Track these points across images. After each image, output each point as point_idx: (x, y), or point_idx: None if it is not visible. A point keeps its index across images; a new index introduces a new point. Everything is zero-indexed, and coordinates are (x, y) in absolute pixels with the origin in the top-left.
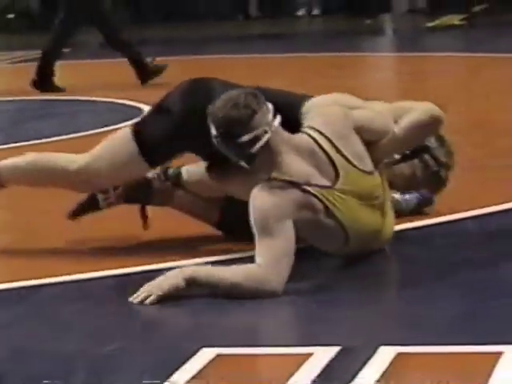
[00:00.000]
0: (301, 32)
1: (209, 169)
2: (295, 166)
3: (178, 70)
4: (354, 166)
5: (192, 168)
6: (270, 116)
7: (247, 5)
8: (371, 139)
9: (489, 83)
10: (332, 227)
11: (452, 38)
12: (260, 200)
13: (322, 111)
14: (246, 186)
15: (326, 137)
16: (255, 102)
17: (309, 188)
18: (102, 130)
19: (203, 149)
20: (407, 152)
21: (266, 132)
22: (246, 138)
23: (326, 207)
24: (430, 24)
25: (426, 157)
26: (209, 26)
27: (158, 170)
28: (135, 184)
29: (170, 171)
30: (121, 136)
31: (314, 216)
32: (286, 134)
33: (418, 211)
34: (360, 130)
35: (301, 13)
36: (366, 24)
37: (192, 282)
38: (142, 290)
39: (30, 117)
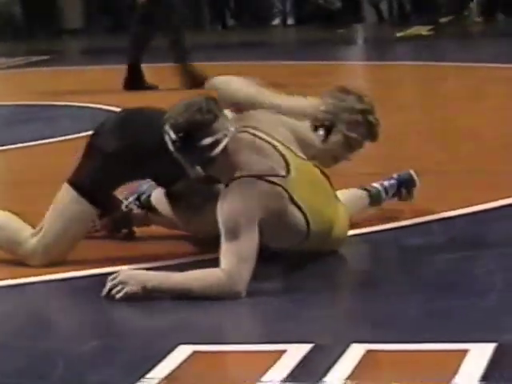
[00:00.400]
0: (276, 41)
1: (175, 213)
2: (254, 161)
3: (160, 76)
4: (295, 154)
5: (159, 195)
6: (229, 121)
7: (225, 14)
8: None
9: (453, 91)
10: (296, 217)
11: (419, 47)
12: (228, 203)
13: (249, 113)
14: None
15: (263, 131)
16: (216, 108)
17: (274, 179)
18: (82, 134)
19: (148, 176)
20: (326, 123)
21: (225, 136)
22: (207, 141)
23: (291, 197)
24: (399, 34)
25: (343, 115)
26: (188, 35)
27: (130, 198)
28: (119, 215)
29: (142, 198)
30: (61, 194)
31: (281, 206)
32: (237, 136)
33: (401, 195)
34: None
35: (276, 22)
36: (338, 33)
37: (153, 291)
38: (108, 286)
39: (11, 121)
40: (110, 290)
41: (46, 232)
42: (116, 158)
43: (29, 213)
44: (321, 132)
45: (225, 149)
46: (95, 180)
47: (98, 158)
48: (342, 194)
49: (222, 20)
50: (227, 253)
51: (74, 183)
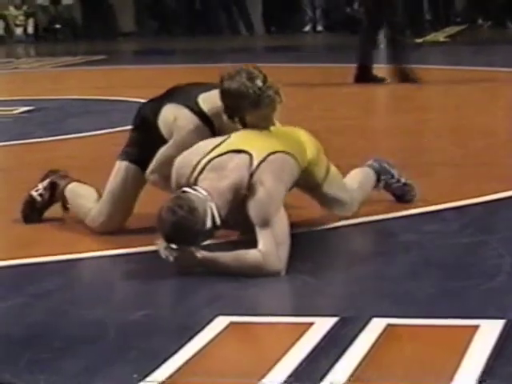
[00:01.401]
0: (307, 45)
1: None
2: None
3: (200, 76)
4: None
5: None
6: (203, 192)
7: (269, 22)
8: None
9: (467, 92)
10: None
11: (437, 53)
12: (265, 192)
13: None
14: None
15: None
16: (189, 199)
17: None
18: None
19: None
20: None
21: (210, 207)
22: (208, 224)
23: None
24: (418, 40)
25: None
26: (227, 39)
27: None
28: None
29: None
30: (116, 169)
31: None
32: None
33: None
34: None
35: (307, 29)
36: None
37: (202, 266)
38: (164, 250)
39: (70, 114)
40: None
41: (103, 196)
42: (155, 127)
43: None
44: (237, 124)
45: (217, 207)
46: (141, 147)
47: (140, 128)
48: (355, 173)
49: (266, 26)
50: (264, 238)
51: (123, 155)
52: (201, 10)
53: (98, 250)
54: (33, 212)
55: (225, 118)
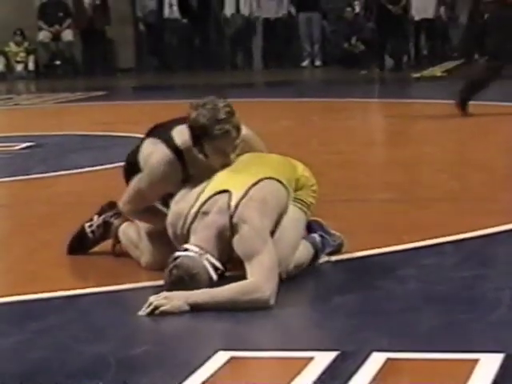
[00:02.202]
0: (305, 80)
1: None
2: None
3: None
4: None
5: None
6: (194, 249)
7: (266, 56)
8: None
9: (465, 127)
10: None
11: (434, 87)
12: (248, 228)
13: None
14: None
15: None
16: (187, 269)
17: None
18: None
19: None
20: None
21: (206, 260)
22: (211, 276)
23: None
24: (416, 75)
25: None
26: (226, 74)
27: None
28: None
29: None
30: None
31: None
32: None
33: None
34: None
35: (305, 64)
36: (360, 74)
37: (194, 306)
38: (148, 303)
39: (70, 150)
40: (154, 306)
41: (142, 235)
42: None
43: None
44: (200, 155)
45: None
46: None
47: (127, 170)
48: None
49: (265, 62)
50: (252, 270)
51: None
52: (200, 46)
53: (99, 286)
54: (81, 247)
55: (195, 150)
